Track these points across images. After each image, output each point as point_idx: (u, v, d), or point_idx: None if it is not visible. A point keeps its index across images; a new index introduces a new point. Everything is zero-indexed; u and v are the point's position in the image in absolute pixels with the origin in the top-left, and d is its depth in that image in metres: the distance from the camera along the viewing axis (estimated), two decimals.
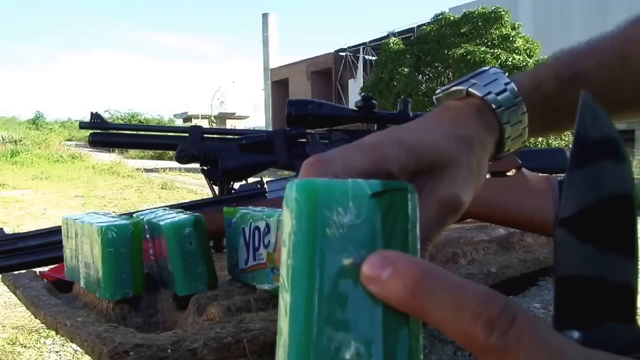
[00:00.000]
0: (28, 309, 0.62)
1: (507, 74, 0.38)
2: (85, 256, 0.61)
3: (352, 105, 0.91)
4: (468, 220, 0.96)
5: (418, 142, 0.31)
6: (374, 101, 0.89)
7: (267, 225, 0.55)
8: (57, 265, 0.78)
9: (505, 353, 0.18)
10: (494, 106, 0.35)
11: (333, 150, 0.31)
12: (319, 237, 0.20)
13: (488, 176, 0.82)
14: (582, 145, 0.25)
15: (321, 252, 0.19)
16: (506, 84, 0.36)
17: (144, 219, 0.62)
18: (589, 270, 0.23)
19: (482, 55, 10.19)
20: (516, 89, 0.36)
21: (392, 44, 11.88)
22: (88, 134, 0.94)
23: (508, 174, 0.81)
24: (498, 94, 0.36)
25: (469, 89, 0.36)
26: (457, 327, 0.19)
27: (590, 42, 0.41)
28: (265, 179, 0.84)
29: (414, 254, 0.21)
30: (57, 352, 2.43)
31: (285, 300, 0.20)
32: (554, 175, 0.82)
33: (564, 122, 0.40)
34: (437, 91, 0.39)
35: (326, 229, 0.20)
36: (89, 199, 7.69)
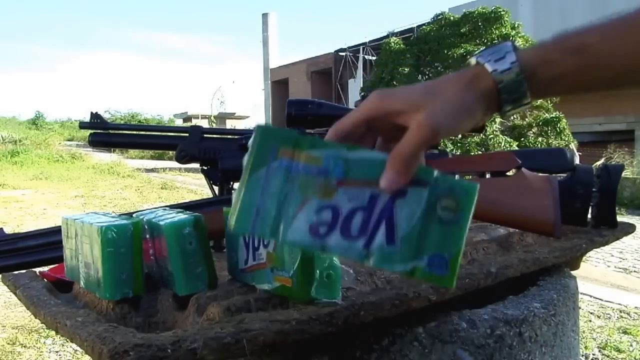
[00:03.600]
0: (28, 309, 0.62)
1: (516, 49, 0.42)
2: (85, 256, 0.61)
3: (352, 105, 0.91)
4: None
5: (407, 94, 0.42)
6: None
7: None
8: (57, 265, 0.78)
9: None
10: (496, 80, 0.42)
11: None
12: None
13: (488, 176, 0.82)
14: None
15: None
16: (512, 62, 0.42)
17: (144, 219, 0.62)
18: None
19: None
20: (520, 69, 0.42)
21: (392, 44, 11.87)
22: (88, 134, 0.95)
23: (508, 174, 0.81)
24: (503, 71, 0.42)
25: (478, 59, 0.43)
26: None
27: (592, 22, 0.43)
28: None
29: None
30: (57, 352, 2.43)
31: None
32: (554, 175, 0.82)
33: (563, 85, 0.43)
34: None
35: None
36: (89, 199, 7.68)
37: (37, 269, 0.77)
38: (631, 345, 2.47)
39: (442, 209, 0.40)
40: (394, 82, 11.40)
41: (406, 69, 11.19)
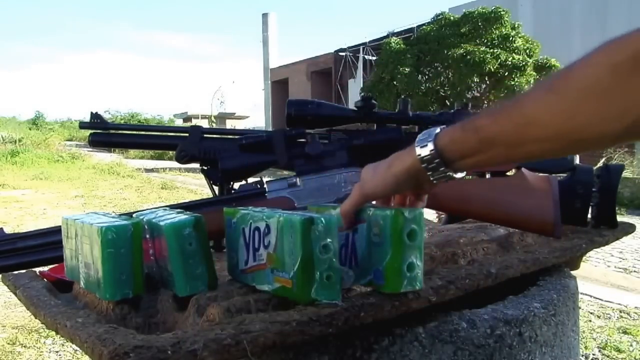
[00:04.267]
0: (28, 309, 0.62)
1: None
2: (85, 256, 0.61)
3: (352, 105, 0.91)
4: (468, 220, 0.96)
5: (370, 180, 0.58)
6: (373, 101, 0.89)
7: (267, 226, 0.55)
8: (57, 265, 0.78)
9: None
10: (422, 166, 0.53)
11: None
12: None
13: (488, 176, 0.82)
14: None
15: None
16: (431, 150, 0.52)
17: (144, 219, 0.62)
18: None
19: (482, 55, 10.17)
20: (436, 152, 0.52)
21: (393, 44, 11.87)
22: (88, 134, 0.94)
23: (508, 174, 0.81)
24: (424, 157, 0.53)
25: (415, 147, 0.54)
26: None
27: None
28: (265, 179, 0.84)
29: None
30: (57, 352, 2.43)
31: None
32: (554, 175, 0.82)
33: (475, 161, 0.52)
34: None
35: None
36: (89, 199, 7.68)
37: (37, 269, 0.77)
38: (631, 345, 2.47)
39: (374, 235, 0.53)
40: (394, 82, 11.40)
41: (406, 69, 11.18)
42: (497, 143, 0.50)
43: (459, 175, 0.55)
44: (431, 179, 0.54)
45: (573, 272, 0.79)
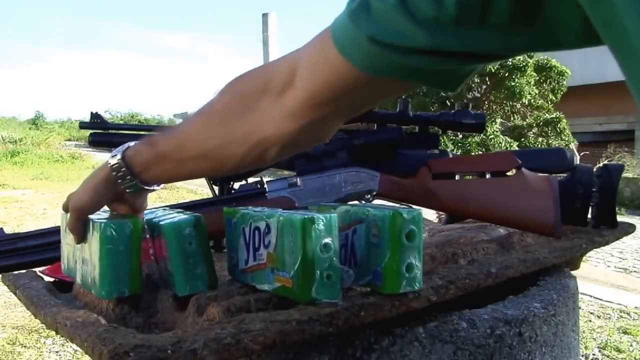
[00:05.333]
0: (28, 309, 0.62)
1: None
2: (83, 252, 0.61)
3: None
4: (468, 220, 0.96)
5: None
6: None
7: (267, 226, 0.55)
8: (56, 264, 0.78)
9: None
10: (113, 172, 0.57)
11: None
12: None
13: (488, 176, 0.82)
14: None
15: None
16: (119, 159, 0.57)
17: (144, 219, 0.62)
18: None
19: None
20: (122, 161, 0.56)
21: None
22: (88, 134, 0.94)
23: (508, 174, 0.81)
24: (114, 165, 0.57)
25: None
26: None
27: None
28: (265, 179, 0.84)
29: None
30: (57, 352, 2.43)
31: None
32: (554, 175, 0.82)
33: (156, 172, 0.57)
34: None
35: None
36: None
37: (37, 269, 0.77)
38: (631, 345, 2.47)
39: (372, 235, 0.53)
40: None
41: None
42: (167, 158, 0.55)
43: (154, 187, 0.59)
44: (122, 187, 0.58)
45: (573, 272, 0.79)
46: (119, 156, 0.57)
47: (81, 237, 0.61)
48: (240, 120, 0.50)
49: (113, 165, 0.57)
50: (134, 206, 0.62)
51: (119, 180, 0.57)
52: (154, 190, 0.60)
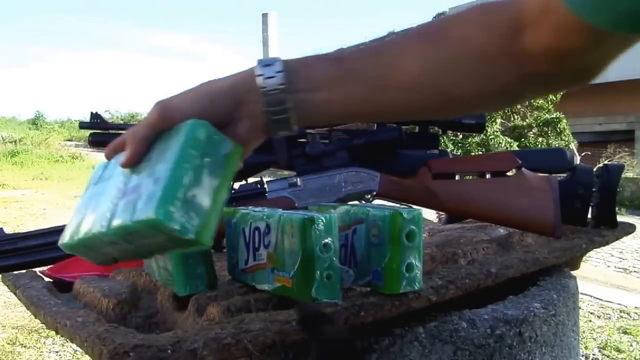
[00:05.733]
0: (28, 309, 0.62)
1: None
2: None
3: None
4: (468, 220, 0.96)
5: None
6: None
7: (267, 226, 0.55)
8: (56, 264, 0.78)
9: None
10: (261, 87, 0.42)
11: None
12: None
13: (488, 176, 0.82)
14: None
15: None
16: (278, 71, 0.42)
17: None
18: None
19: None
20: (285, 74, 0.42)
21: None
22: (88, 134, 0.94)
23: (508, 174, 0.81)
24: (268, 77, 0.42)
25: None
26: None
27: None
28: (265, 179, 0.84)
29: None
30: (57, 352, 2.43)
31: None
32: (554, 175, 0.82)
33: (327, 97, 0.44)
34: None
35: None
36: None
37: (37, 269, 0.77)
38: (631, 345, 2.47)
39: (372, 235, 0.53)
40: None
41: None
42: (359, 79, 0.43)
43: (294, 128, 0.45)
44: (263, 109, 0.42)
45: (573, 272, 0.79)
46: (278, 66, 0.42)
47: (139, 156, 0.43)
48: (488, 57, 0.42)
49: (267, 76, 0.42)
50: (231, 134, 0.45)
51: (266, 99, 0.42)
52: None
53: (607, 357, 2.35)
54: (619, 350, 2.41)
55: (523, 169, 0.78)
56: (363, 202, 0.84)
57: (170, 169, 0.40)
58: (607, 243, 0.82)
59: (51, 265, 0.79)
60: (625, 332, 2.62)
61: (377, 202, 0.84)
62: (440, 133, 0.92)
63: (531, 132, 9.31)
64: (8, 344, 2.50)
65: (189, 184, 0.40)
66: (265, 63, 0.42)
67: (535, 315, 0.63)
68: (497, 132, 8.79)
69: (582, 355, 2.32)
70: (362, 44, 0.46)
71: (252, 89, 0.42)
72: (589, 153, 9.28)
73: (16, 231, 0.82)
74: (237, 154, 0.44)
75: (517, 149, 7.30)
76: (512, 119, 9.43)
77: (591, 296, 3.17)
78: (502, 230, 0.86)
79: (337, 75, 0.43)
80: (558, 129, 9.00)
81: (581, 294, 2.32)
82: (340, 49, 0.46)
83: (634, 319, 2.83)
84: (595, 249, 0.82)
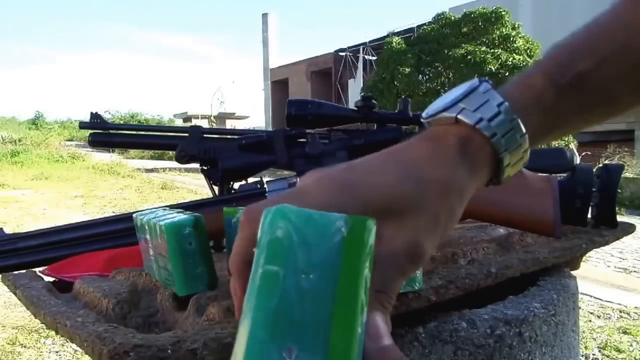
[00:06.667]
0: (28, 309, 0.62)
1: (502, 77, 0.37)
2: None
3: (352, 105, 0.91)
4: (468, 220, 0.96)
5: (367, 187, 0.29)
6: (374, 101, 0.89)
7: None
8: (56, 264, 0.78)
9: None
10: (487, 134, 0.32)
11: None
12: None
13: None
14: None
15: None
16: (499, 104, 0.32)
17: (144, 219, 0.62)
18: None
19: (482, 55, 10.18)
20: (511, 109, 0.32)
21: (394, 44, 11.86)
22: (88, 134, 0.94)
23: None
24: (491, 119, 0.32)
25: (458, 116, 0.32)
26: None
27: (588, 31, 0.38)
28: (265, 179, 0.84)
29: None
30: (57, 352, 2.43)
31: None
32: (554, 175, 0.82)
33: (565, 127, 0.37)
34: (424, 114, 0.35)
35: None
36: (89, 199, 7.68)
37: (37, 269, 0.77)
38: (631, 345, 2.47)
39: None
40: (395, 82, 11.41)
41: (407, 69, 11.20)
42: (610, 90, 0.36)
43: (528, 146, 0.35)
44: (501, 154, 0.32)
45: (573, 272, 0.79)
46: (497, 99, 0.32)
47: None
48: None
49: (490, 117, 0.31)
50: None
51: (502, 142, 0.32)
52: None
53: (607, 357, 2.35)
54: (619, 350, 2.41)
55: (523, 168, 0.78)
56: None
57: None
58: (607, 243, 0.82)
59: (51, 265, 0.79)
60: (625, 332, 2.62)
61: None
62: None
63: None
64: (8, 344, 2.50)
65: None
66: (474, 106, 0.32)
67: (535, 315, 0.63)
68: None
69: (582, 355, 2.32)
70: (587, 34, 0.37)
71: (477, 143, 0.33)
72: (589, 153, 9.28)
73: (16, 231, 0.82)
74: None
75: None
76: None
77: (591, 296, 3.18)
78: (502, 230, 0.86)
79: (569, 88, 0.35)
80: None
81: (581, 294, 2.33)
82: (557, 52, 0.36)
83: (634, 319, 2.83)
84: (595, 249, 0.82)
